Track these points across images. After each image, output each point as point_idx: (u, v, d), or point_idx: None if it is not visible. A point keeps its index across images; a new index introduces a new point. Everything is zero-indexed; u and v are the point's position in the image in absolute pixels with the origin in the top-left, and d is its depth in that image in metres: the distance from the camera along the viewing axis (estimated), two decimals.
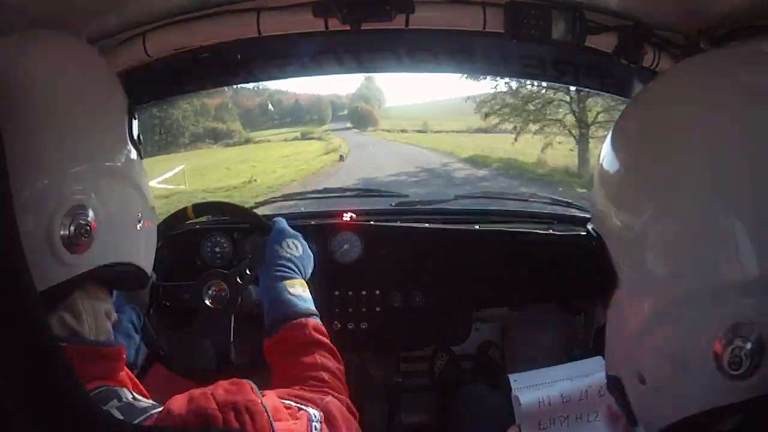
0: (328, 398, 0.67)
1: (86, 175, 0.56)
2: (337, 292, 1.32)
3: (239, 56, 1.17)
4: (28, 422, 0.39)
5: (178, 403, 0.51)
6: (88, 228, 0.54)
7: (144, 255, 0.65)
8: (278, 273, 0.85)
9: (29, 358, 0.39)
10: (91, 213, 0.55)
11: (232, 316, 1.02)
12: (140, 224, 0.63)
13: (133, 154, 0.65)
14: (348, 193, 1.67)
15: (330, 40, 1.14)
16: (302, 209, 1.57)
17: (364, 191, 1.70)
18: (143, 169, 0.68)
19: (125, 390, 0.55)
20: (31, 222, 0.51)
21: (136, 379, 0.67)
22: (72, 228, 0.53)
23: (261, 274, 0.87)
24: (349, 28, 0.94)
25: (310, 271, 0.90)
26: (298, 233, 0.94)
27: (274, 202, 1.61)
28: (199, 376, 1.01)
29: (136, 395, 0.55)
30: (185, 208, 1.07)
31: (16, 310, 0.39)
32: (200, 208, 1.10)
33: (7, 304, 0.39)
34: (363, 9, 0.92)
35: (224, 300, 1.02)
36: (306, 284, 0.87)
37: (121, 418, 0.49)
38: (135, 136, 0.66)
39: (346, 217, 1.39)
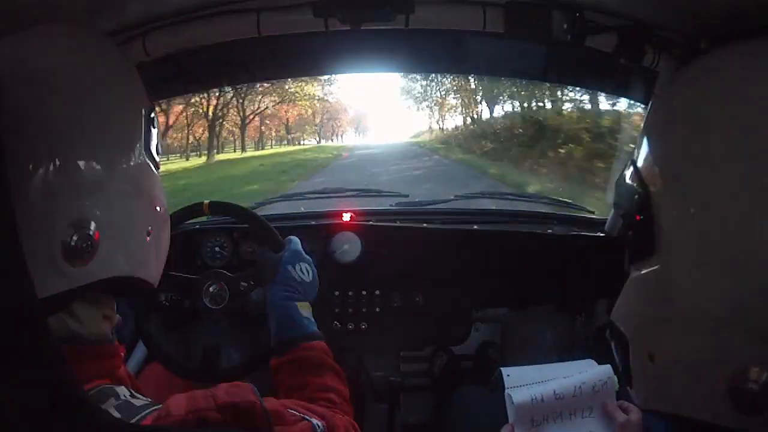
0: (337, 416, 0.67)
1: (94, 187, 0.54)
2: (337, 292, 1.31)
3: (239, 56, 1.17)
4: (25, 421, 0.39)
5: (178, 402, 0.51)
6: (90, 242, 0.52)
7: (151, 266, 0.63)
8: (288, 293, 0.86)
9: (25, 356, 0.39)
10: (94, 226, 0.53)
11: (228, 320, 1.01)
12: (150, 237, 0.61)
13: (149, 167, 0.62)
14: (348, 193, 1.66)
15: (330, 40, 1.14)
16: (302, 209, 1.57)
17: (364, 191, 1.70)
18: (158, 180, 0.64)
19: (123, 388, 0.55)
20: (31, 229, 0.49)
21: (133, 377, 0.67)
22: (74, 240, 0.51)
23: (270, 291, 0.88)
24: (349, 28, 0.94)
25: (313, 298, 0.91)
26: (310, 258, 0.94)
27: (273, 202, 1.61)
28: (196, 375, 1.01)
29: (135, 393, 0.55)
30: (201, 203, 1.05)
31: (13, 307, 0.39)
32: (217, 208, 1.07)
33: (3, 302, 0.39)
34: (363, 9, 0.92)
35: (223, 301, 1.02)
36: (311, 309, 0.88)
37: (119, 416, 0.49)
38: (153, 147, 0.62)
39: (346, 217, 1.39)
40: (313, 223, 1.39)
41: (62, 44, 0.57)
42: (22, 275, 0.40)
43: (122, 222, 0.57)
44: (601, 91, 1.30)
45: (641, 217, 0.52)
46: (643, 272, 0.54)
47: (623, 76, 1.17)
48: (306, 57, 1.19)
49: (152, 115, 0.63)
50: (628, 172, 0.56)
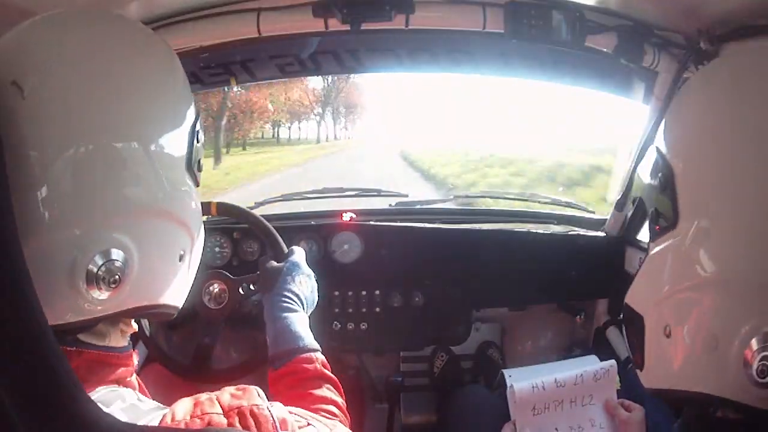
0: (339, 426, 0.67)
1: (130, 215, 0.50)
2: (337, 292, 1.31)
3: (239, 56, 1.17)
4: (29, 424, 0.39)
5: (183, 406, 0.51)
6: (118, 274, 0.50)
7: (179, 292, 0.60)
8: (286, 304, 0.84)
9: (29, 359, 0.39)
10: (123, 257, 0.50)
11: (227, 320, 1.01)
12: (181, 261, 0.58)
13: (189, 186, 0.57)
14: (348, 193, 1.66)
15: (330, 40, 1.14)
16: (302, 209, 1.57)
17: (364, 191, 1.69)
18: (197, 198, 0.60)
19: (131, 391, 0.55)
20: (57, 252, 0.47)
21: (139, 380, 0.67)
22: (101, 271, 0.48)
23: (267, 300, 0.86)
24: (349, 28, 0.94)
25: (310, 312, 0.90)
26: (312, 272, 0.92)
27: (273, 201, 1.61)
28: (195, 374, 1.01)
29: (141, 396, 0.55)
30: (209, 202, 1.03)
31: (17, 312, 0.39)
32: (224, 209, 1.05)
33: (7, 308, 0.39)
34: (363, 9, 0.92)
35: (223, 301, 1.02)
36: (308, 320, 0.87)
37: (125, 419, 0.49)
38: (195, 164, 0.58)
39: (346, 217, 1.39)
40: (313, 223, 1.39)
41: (108, 36, 0.52)
42: (23, 280, 0.39)
43: (154, 250, 0.53)
44: (602, 91, 1.30)
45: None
46: (665, 245, 0.53)
47: (623, 76, 1.17)
48: (306, 57, 1.19)
49: (197, 128, 0.58)
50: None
